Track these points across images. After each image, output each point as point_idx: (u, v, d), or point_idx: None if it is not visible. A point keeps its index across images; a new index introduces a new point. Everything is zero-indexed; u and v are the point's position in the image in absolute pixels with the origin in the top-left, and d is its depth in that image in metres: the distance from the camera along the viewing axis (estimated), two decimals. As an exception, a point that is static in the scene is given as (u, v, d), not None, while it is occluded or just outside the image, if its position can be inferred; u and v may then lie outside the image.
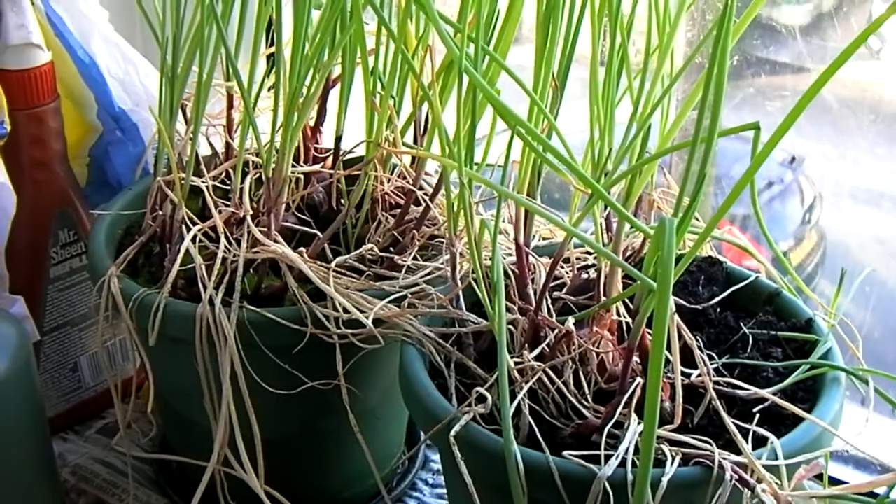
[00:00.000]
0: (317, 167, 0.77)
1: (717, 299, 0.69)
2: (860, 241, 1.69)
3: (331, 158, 0.77)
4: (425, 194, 0.74)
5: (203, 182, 0.72)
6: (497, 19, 0.69)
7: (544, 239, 0.76)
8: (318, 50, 0.70)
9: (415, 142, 0.75)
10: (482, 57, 0.63)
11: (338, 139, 0.76)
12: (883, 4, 1.79)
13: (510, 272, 0.66)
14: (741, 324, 0.67)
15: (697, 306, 0.68)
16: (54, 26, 0.78)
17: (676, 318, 0.61)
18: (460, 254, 0.66)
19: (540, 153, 0.64)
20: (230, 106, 0.78)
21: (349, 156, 0.78)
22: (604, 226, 0.69)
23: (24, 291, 0.77)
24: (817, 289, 1.75)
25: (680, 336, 0.61)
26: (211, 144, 0.79)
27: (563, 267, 0.70)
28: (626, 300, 0.65)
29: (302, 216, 0.75)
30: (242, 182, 0.72)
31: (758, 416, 0.58)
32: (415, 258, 0.71)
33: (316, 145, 0.78)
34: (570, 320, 0.61)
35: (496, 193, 0.65)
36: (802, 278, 1.75)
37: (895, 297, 1.61)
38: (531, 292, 0.66)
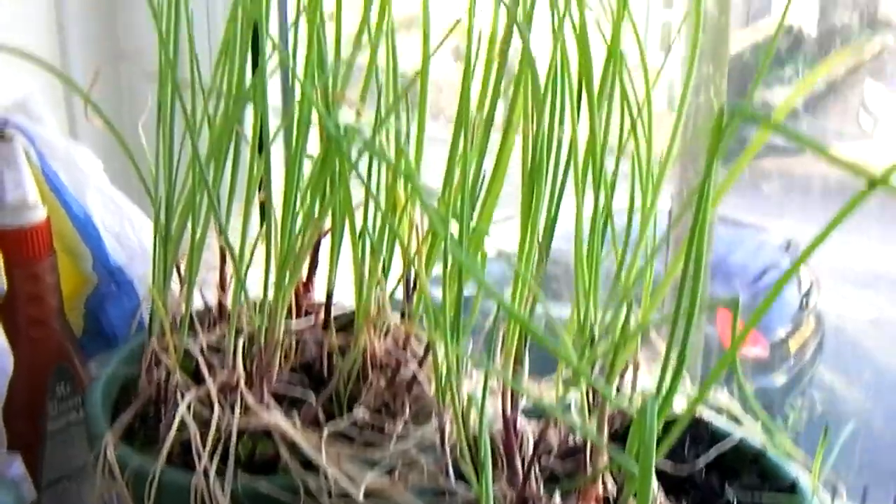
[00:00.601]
0: (309, 322, 0.78)
1: (701, 462, 0.70)
2: (858, 325, 1.71)
3: (323, 313, 0.78)
4: (415, 357, 0.75)
5: (196, 345, 0.73)
6: (483, 182, 0.71)
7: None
8: (309, 207, 0.72)
9: (405, 300, 0.76)
10: (467, 232, 0.65)
11: (329, 295, 0.77)
12: (875, 83, 1.81)
13: (498, 440, 0.67)
14: (726, 485, 0.68)
15: (682, 473, 0.69)
16: (50, 181, 0.80)
17: (661, 496, 0.62)
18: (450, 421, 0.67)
19: (525, 325, 0.65)
20: (223, 262, 0.79)
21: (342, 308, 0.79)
22: (590, 393, 0.70)
23: (21, 448, 0.78)
24: (816, 376, 1.76)
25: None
26: (204, 300, 0.80)
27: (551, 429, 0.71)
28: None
29: (295, 372, 0.76)
30: (235, 347, 0.73)
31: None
32: (407, 419, 0.72)
33: (308, 297, 0.79)
34: (557, 497, 0.62)
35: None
36: (800, 365, 1.75)
37: (893, 379, 1.62)
38: (519, 463, 0.67)
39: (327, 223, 0.77)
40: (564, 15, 0.64)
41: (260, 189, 0.74)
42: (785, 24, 1.76)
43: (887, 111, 1.73)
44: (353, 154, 0.69)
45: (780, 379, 1.69)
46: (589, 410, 0.68)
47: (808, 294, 1.75)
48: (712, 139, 0.56)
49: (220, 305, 0.79)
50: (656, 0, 1.70)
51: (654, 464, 0.51)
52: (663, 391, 0.59)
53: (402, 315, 0.77)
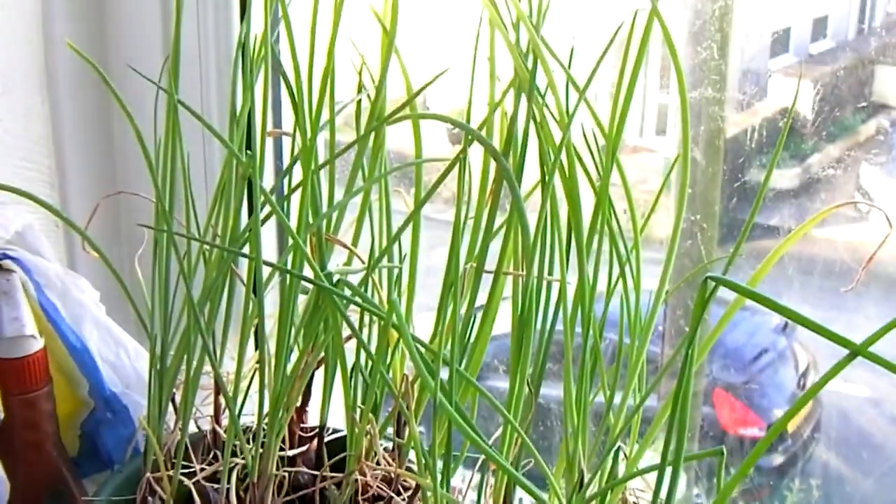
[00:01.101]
0: (302, 451, 0.79)
1: None
2: (856, 405, 1.71)
3: (315, 443, 0.79)
4: (406, 489, 0.75)
5: (191, 480, 0.74)
6: (473, 325, 0.72)
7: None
8: (303, 345, 0.73)
9: (396, 433, 0.77)
10: (458, 382, 0.66)
11: (321, 427, 0.78)
12: (870, 168, 1.81)
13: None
14: None
15: None
16: (47, 313, 0.81)
17: None
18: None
19: (513, 475, 0.66)
20: (217, 393, 0.80)
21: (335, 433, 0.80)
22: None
23: (17, 573, 0.78)
24: (814, 456, 1.76)
25: None
26: (199, 427, 0.81)
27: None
28: None
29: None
30: (229, 480, 0.74)
31: None
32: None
33: (301, 425, 0.80)
34: None
35: None
36: (798, 445, 1.76)
37: (892, 460, 1.62)
38: None
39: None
40: (555, 164, 0.66)
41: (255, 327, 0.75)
42: (780, 106, 1.76)
43: (883, 193, 1.75)
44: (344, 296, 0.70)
45: (777, 459, 1.69)
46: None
47: (805, 375, 1.75)
48: (695, 309, 0.57)
49: (215, 433, 0.80)
50: (652, 83, 1.72)
51: None
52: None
53: (394, 447, 0.78)
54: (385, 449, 0.77)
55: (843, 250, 1.74)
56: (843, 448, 1.74)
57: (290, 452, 0.78)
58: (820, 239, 1.73)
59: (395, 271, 0.76)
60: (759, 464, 1.66)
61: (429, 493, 0.67)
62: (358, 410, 0.74)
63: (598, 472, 0.68)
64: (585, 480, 0.69)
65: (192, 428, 0.81)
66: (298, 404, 0.80)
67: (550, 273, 0.68)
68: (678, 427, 0.58)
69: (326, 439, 0.79)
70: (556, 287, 0.69)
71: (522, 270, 0.68)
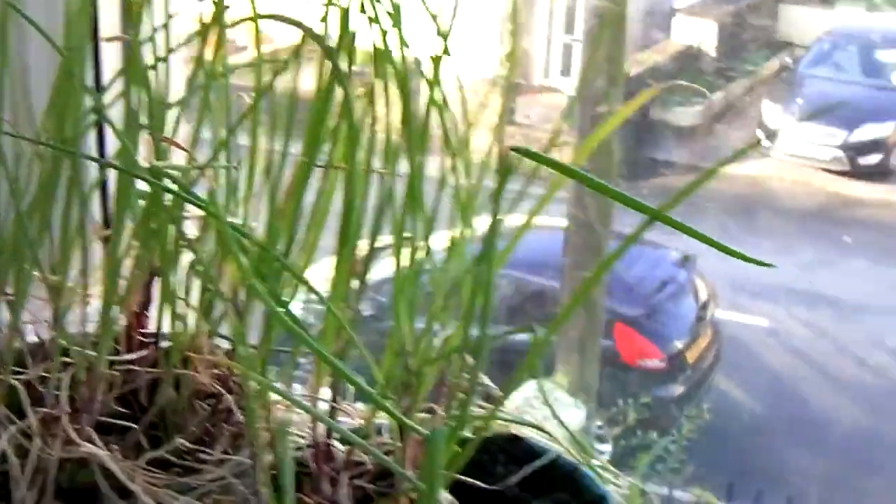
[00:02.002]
0: (141, 356, 0.80)
1: (514, 479, 0.72)
2: (755, 335, 1.74)
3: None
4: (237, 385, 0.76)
5: (20, 379, 0.75)
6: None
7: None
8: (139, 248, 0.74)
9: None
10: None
11: (157, 334, 0.79)
12: (772, 104, 1.88)
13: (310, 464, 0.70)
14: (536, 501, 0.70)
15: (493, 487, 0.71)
16: None
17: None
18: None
19: (328, 360, 0.67)
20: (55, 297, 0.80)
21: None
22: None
23: None
24: (713, 384, 1.79)
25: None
26: (38, 335, 0.81)
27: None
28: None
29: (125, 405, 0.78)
30: (59, 381, 0.74)
31: None
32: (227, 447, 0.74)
33: (141, 330, 0.81)
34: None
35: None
36: (698, 375, 1.82)
37: (787, 388, 1.66)
38: (327, 485, 0.69)
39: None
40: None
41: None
42: (684, 45, 1.82)
43: (784, 131, 1.80)
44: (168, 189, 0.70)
45: (677, 390, 1.73)
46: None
47: (705, 306, 1.79)
48: (500, 179, 0.58)
49: (52, 341, 0.80)
50: (558, 24, 1.74)
51: (439, 483, 0.54)
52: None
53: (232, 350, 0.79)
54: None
55: (744, 185, 1.76)
56: (742, 377, 1.77)
57: (129, 356, 0.79)
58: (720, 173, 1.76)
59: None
60: (660, 395, 1.68)
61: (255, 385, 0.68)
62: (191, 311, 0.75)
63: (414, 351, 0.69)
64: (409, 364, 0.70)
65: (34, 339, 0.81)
66: (137, 309, 0.81)
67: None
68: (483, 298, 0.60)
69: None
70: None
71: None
